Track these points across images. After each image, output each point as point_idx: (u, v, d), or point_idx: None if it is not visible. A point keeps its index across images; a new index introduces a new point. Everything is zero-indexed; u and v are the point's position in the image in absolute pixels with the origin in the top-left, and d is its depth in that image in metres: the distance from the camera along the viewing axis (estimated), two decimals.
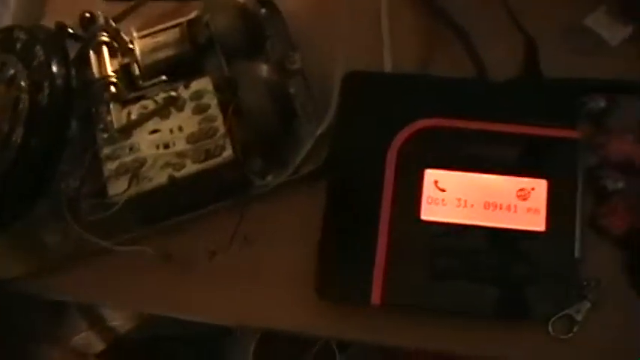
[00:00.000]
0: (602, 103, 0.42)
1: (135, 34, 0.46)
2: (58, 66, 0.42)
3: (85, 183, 0.43)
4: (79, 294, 0.46)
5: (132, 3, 0.46)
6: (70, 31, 0.45)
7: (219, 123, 0.42)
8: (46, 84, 0.41)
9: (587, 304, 0.40)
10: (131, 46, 0.45)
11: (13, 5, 0.50)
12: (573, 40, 0.45)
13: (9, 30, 0.44)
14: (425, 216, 0.41)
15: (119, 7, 0.50)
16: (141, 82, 0.45)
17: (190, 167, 0.42)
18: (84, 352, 0.70)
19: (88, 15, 0.45)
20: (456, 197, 0.41)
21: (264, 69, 0.44)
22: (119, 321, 0.71)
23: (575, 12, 0.46)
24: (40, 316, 0.67)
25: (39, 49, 0.42)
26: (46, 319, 0.68)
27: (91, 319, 0.71)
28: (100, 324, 0.71)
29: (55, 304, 0.66)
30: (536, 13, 0.46)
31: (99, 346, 0.72)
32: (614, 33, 0.45)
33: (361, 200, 0.42)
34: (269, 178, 0.44)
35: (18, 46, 0.43)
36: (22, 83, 0.41)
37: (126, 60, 0.45)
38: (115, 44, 0.45)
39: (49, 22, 0.48)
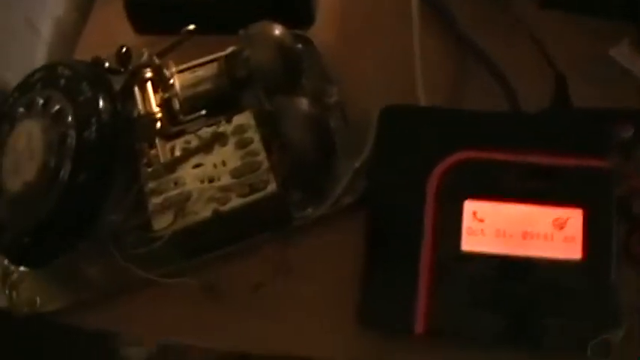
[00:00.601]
0: (631, 132, 0.43)
1: (174, 69, 0.46)
2: (105, 101, 0.42)
3: (129, 217, 0.43)
4: (120, 327, 0.46)
5: (173, 38, 0.46)
6: (107, 65, 0.46)
7: (262, 157, 0.43)
8: (93, 120, 0.41)
9: (623, 331, 0.41)
10: (171, 81, 0.46)
11: (48, 37, 0.50)
12: (599, 71, 0.47)
13: (52, 66, 0.45)
14: (465, 247, 0.42)
15: (151, 40, 0.51)
16: (181, 116, 0.45)
17: (235, 201, 0.42)
18: None
19: (124, 49, 0.46)
20: (495, 228, 0.42)
21: (304, 103, 0.45)
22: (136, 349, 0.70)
23: (600, 44, 0.48)
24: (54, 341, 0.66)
25: (85, 85, 0.42)
26: (60, 345, 0.68)
27: (105, 348, 0.70)
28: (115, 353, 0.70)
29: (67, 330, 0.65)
30: (562, 45, 0.48)
31: None
32: (638, 64, 0.47)
33: (402, 231, 0.43)
34: (309, 210, 0.45)
35: (62, 82, 0.43)
36: (69, 119, 0.42)
37: (166, 95, 0.46)
38: (157, 78, 0.45)
39: (79, 56, 0.48)
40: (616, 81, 0.47)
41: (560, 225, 0.42)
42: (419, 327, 0.41)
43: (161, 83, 0.46)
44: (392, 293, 0.42)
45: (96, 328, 0.46)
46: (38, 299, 0.45)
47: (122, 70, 0.46)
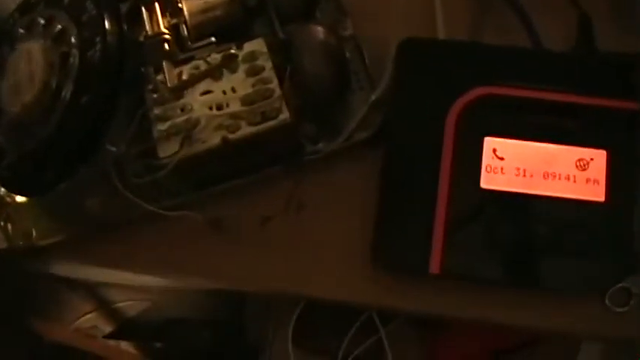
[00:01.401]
0: None
1: None
2: (110, 21, 0.40)
3: (132, 144, 0.41)
4: (121, 262, 0.44)
5: None
6: None
7: (274, 85, 0.41)
8: (97, 39, 0.39)
9: None
10: (180, 5, 0.43)
11: None
12: (625, 17, 0.45)
13: None
14: (484, 184, 0.41)
15: None
16: (189, 43, 0.43)
17: (245, 129, 0.40)
18: (90, 333, 0.68)
19: None
20: (515, 166, 0.41)
21: (320, 31, 0.43)
22: (126, 302, 0.69)
23: None
24: (41, 293, 0.64)
25: (89, 4, 0.40)
26: (49, 298, 0.66)
27: (97, 301, 0.68)
28: (107, 305, 0.69)
29: (58, 284, 0.63)
30: None
31: (106, 328, 0.69)
32: None
33: (419, 168, 0.41)
34: (321, 144, 0.43)
35: (65, 1, 0.41)
36: (72, 39, 0.39)
37: (174, 20, 0.43)
38: (164, 3, 0.43)
39: None
40: None
41: (583, 166, 0.41)
42: (434, 267, 0.40)
43: (169, 8, 0.43)
44: (407, 232, 0.41)
45: (93, 264, 0.44)
46: (34, 231, 0.43)
47: None
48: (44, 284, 0.61)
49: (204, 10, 0.44)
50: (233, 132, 0.40)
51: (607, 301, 0.40)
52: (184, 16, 0.43)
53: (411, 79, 0.43)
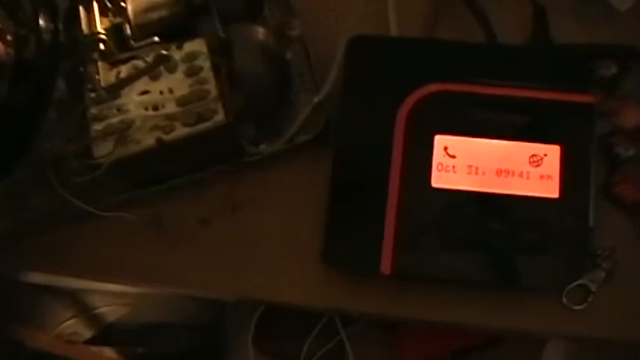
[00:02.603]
0: (614, 69, 0.40)
1: None
2: (46, 20, 0.39)
3: (70, 143, 0.41)
4: (57, 264, 0.44)
5: None
6: None
7: (211, 86, 0.40)
8: (32, 38, 0.39)
9: (602, 274, 0.39)
10: (123, 4, 0.43)
11: None
12: (582, 7, 0.43)
13: None
14: (435, 183, 0.39)
15: None
16: (132, 42, 0.43)
17: (180, 130, 0.40)
18: (71, 339, 0.68)
19: None
20: (467, 164, 0.40)
21: (260, 32, 0.42)
22: (108, 307, 0.69)
23: None
24: (22, 301, 0.65)
25: (26, 2, 0.40)
26: (29, 305, 0.67)
27: (77, 307, 0.68)
28: (88, 311, 0.69)
29: (39, 290, 0.64)
30: None
31: (87, 333, 0.69)
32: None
33: (369, 167, 0.40)
34: (262, 146, 0.42)
35: None
36: (8, 37, 0.39)
37: (117, 19, 0.43)
38: (107, 2, 0.43)
39: None
40: (600, 19, 0.43)
41: (537, 162, 0.39)
42: (385, 268, 0.39)
43: (112, 7, 0.43)
44: (357, 233, 0.40)
45: (32, 264, 0.44)
46: None
47: None
48: (25, 291, 0.62)
49: (149, 10, 0.43)
50: (168, 133, 0.40)
51: (564, 299, 0.39)
52: (128, 16, 0.43)
53: (360, 76, 0.42)
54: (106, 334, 0.69)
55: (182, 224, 0.42)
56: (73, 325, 0.69)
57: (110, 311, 0.69)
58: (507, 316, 0.40)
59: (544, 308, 0.40)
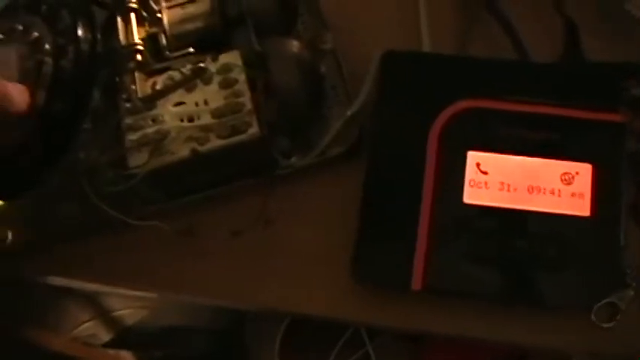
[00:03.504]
0: None
1: (164, 4, 0.44)
2: (85, 30, 0.40)
3: (105, 153, 0.41)
4: (87, 272, 0.44)
5: None
6: None
7: (246, 99, 0.41)
8: (71, 48, 0.39)
9: (631, 292, 0.38)
10: (159, 15, 0.44)
11: None
12: (612, 24, 0.44)
13: None
14: (468, 199, 0.40)
15: None
16: (167, 53, 0.43)
17: (214, 142, 0.40)
18: (88, 342, 0.69)
19: None
20: (498, 180, 0.40)
21: (295, 45, 0.42)
22: (126, 310, 0.69)
23: None
24: (40, 302, 0.65)
25: (65, 13, 0.40)
26: (47, 307, 0.67)
27: (95, 309, 0.69)
28: (106, 314, 0.69)
29: (57, 292, 0.64)
30: None
31: (105, 336, 0.70)
32: None
33: (402, 182, 0.41)
34: (294, 158, 0.42)
35: (44, 8, 0.41)
36: (47, 46, 0.40)
37: (153, 30, 0.44)
38: (144, 13, 0.43)
39: None
40: (631, 36, 0.44)
41: (568, 180, 0.40)
42: (416, 283, 0.39)
43: (148, 17, 0.44)
44: (388, 248, 0.40)
45: (62, 271, 0.44)
46: (10, 235, 0.43)
47: (109, 2, 0.44)
48: (42, 293, 0.62)
49: (184, 21, 0.44)
50: (202, 144, 0.40)
51: (593, 317, 0.39)
52: (164, 26, 0.44)
53: (394, 91, 0.43)
54: (123, 336, 0.70)
55: (214, 235, 0.42)
56: (91, 328, 0.69)
57: (128, 314, 0.70)
58: (536, 332, 0.40)
59: (573, 325, 0.40)
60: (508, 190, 0.40)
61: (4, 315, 0.60)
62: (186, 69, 0.42)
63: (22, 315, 0.64)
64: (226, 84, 0.41)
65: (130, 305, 0.70)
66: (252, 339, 0.67)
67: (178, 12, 0.44)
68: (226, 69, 0.42)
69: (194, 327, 0.70)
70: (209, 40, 0.44)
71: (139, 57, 0.42)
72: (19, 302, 0.61)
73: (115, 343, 0.70)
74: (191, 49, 0.43)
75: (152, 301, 0.69)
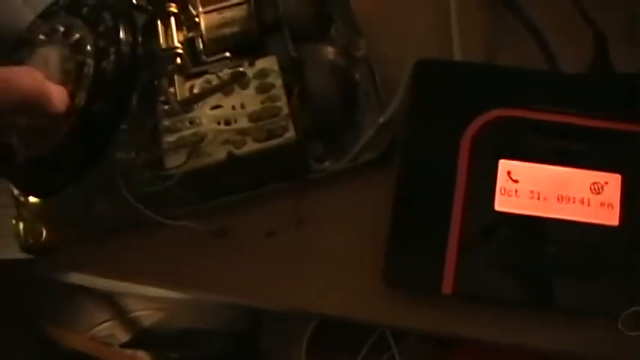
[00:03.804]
0: None
1: (201, 9, 0.45)
2: (126, 33, 0.40)
3: (141, 154, 0.42)
4: (118, 270, 0.45)
5: None
6: (135, 2, 0.45)
7: (282, 103, 0.42)
8: (112, 50, 0.40)
9: None
10: (197, 20, 0.44)
11: None
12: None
13: None
14: (498, 207, 0.41)
15: None
16: (204, 57, 0.44)
17: (251, 145, 0.41)
18: (106, 342, 0.69)
19: None
20: (529, 189, 0.41)
21: (331, 52, 0.43)
22: (144, 311, 0.70)
23: None
24: (59, 301, 0.66)
25: (107, 15, 0.41)
26: (66, 306, 0.67)
27: (113, 309, 0.69)
28: (124, 315, 0.70)
29: (76, 291, 0.64)
30: (603, 7, 0.45)
31: (122, 337, 0.70)
32: None
33: (433, 188, 0.41)
34: (327, 163, 0.43)
35: (85, 10, 0.42)
36: (88, 48, 0.40)
37: (191, 34, 0.44)
38: (182, 17, 0.44)
39: None
40: None
41: (598, 190, 0.40)
42: (446, 288, 0.40)
43: (186, 21, 0.44)
44: (420, 252, 0.41)
45: (93, 269, 0.44)
46: (44, 231, 0.44)
47: (149, 7, 0.44)
48: (61, 291, 0.62)
49: (221, 26, 0.45)
50: (239, 147, 0.41)
51: (620, 325, 0.40)
52: (201, 30, 0.44)
53: (426, 99, 0.43)
54: (141, 337, 0.70)
55: (247, 236, 0.43)
56: (109, 328, 0.70)
57: (146, 315, 0.70)
58: (562, 339, 0.41)
59: (599, 333, 0.40)
60: (538, 199, 0.41)
61: (25, 311, 0.60)
62: (224, 73, 0.42)
63: (43, 313, 0.64)
64: (263, 89, 0.42)
65: (147, 307, 0.70)
66: (274, 340, 0.67)
67: (215, 17, 0.45)
68: (263, 74, 0.42)
69: (211, 329, 0.70)
70: (245, 45, 0.44)
71: (178, 60, 0.42)
72: (40, 300, 0.62)
73: (132, 344, 0.70)
74: (227, 54, 0.44)
75: (170, 302, 0.69)
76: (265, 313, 0.66)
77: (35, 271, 0.47)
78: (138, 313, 0.70)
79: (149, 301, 0.69)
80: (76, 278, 0.46)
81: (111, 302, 0.69)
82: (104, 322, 0.69)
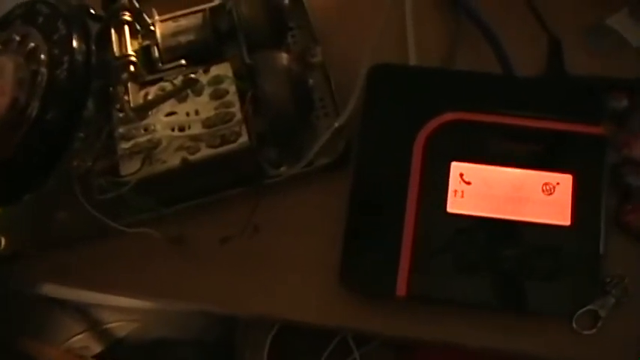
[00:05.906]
0: (625, 102, 0.42)
1: (157, 17, 0.45)
2: (79, 41, 0.41)
3: (97, 161, 0.42)
4: (79, 279, 0.45)
5: None
6: (92, 11, 0.45)
7: (236, 109, 0.42)
8: (65, 59, 0.40)
9: (612, 300, 0.39)
10: (152, 28, 0.45)
11: None
12: (595, 40, 0.45)
13: (32, 3, 0.44)
14: (451, 209, 0.41)
15: None
16: (160, 64, 0.44)
17: (205, 151, 0.41)
18: (81, 354, 0.69)
19: None
20: (481, 191, 0.41)
21: (284, 58, 0.43)
22: (118, 323, 0.69)
23: (597, 12, 0.46)
24: (33, 314, 0.66)
25: (61, 24, 0.41)
26: (40, 319, 0.67)
27: (88, 321, 0.69)
28: (98, 326, 0.70)
29: (51, 304, 0.65)
30: (558, 13, 0.46)
31: (97, 348, 0.70)
32: (636, 34, 0.45)
33: (387, 191, 0.42)
34: (283, 168, 0.43)
35: (40, 19, 0.42)
36: (42, 57, 0.41)
37: (146, 42, 0.45)
38: (137, 25, 0.45)
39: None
40: (612, 51, 0.45)
41: (550, 190, 0.41)
42: (401, 289, 0.40)
43: (142, 30, 0.45)
44: (374, 255, 0.41)
45: (53, 278, 0.45)
46: (3, 240, 0.44)
47: (103, 16, 0.45)
48: (36, 305, 0.63)
49: (177, 33, 0.45)
50: (193, 153, 0.41)
51: (574, 324, 0.40)
52: (157, 39, 0.45)
53: (380, 103, 0.44)
54: (115, 348, 0.70)
55: (203, 243, 0.43)
56: (83, 340, 0.70)
57: (120, 327, 0.70)
58: (518, 339, 0.41)
59: (554, 332, 0.40)
60: (491, 200, 0.41)
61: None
62: (178, 80, 0.43)
63: (17, 326, 0.64)
64: (217, 95, 0.42)
65: (121, 318, 0.70)
66: (240, 347, 0.67)
67: (171, 25, 0.45)
68: (217, 80, 0.43)
69: (184, 339, 0.70)
70: (201, 52, 0.45)
71: (132, 68, 0.43)
72: (14, 314, 0.62)
73: (106, 355, 0.70)
74: (183, 62, 0.44)
75: (143, 314, 0.69)
76: (231, 320, 0.66)
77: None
78: (111, 325, 0.70)
79: (123, 312, 0.69)
80: (39, 287, 0.46)
81: (85, 314, 0.69)
82: (78, 334, 0.70)
